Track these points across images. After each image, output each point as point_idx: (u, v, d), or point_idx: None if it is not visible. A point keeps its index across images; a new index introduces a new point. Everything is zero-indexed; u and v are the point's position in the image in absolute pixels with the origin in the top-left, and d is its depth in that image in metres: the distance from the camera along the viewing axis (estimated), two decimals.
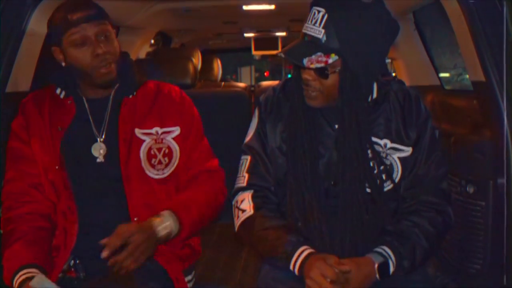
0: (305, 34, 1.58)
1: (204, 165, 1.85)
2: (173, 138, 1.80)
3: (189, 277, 1.90)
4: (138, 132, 1.77)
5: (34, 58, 2.10)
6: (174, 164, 1.80)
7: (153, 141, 1.77)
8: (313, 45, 1.54)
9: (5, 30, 1.92)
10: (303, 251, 1.56)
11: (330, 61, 1.53)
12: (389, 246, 1.58)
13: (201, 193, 1.78)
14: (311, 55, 1.53)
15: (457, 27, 2.00)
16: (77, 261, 1.67)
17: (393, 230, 1.62)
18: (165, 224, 1.64)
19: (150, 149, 1.76)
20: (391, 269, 1.57)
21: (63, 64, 1.76)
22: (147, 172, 1.75)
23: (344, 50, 1.53)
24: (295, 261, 1.55)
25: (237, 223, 1.72)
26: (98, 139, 1.76)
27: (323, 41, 1.53)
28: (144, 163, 1.75)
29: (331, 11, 1.53)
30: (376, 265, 1.54)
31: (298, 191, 1.64)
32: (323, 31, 1.53)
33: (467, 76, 2.14)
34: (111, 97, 1.79)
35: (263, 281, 1.70)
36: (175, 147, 1.80)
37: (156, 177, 1.77)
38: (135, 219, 1.70)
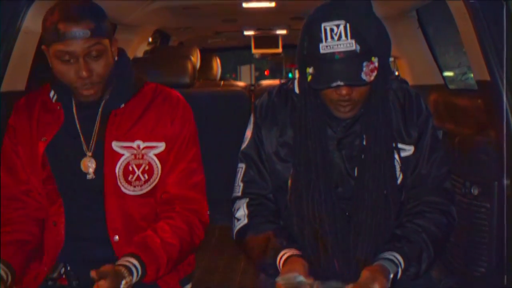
0: (334, 53, 1.50)
1: (182, 192, 1.69)
2: (156, 155, 1.66)
3: (188, 286, 1.85)
4: (116, 145, 1.64)
5: (29, 56, 2.07)
6: (154, 181, 1.67)
7: (133, 156, 1.65)
8: (353, 59, 1.49)
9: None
10: (283, 255, 1.54)
11: (376, 64, 1.51)
12: (400, 254, 1.56)
13: (177, 239, 1.63)
14: (362, 69, 1.49)
15: (461, 25, 1.99)
16: (68, 268, 1.63)
17: (402, 234, 1.60)
18: (128, 282, 1.48)
19: (128, 164, 1.64)
20: (399, 275, 1.55)
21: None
22: (122, 189, 1.64)
23: (377, 50, 1.51)
24: (279, 266, 1.54)
25: (234, 232, 1.70)
26: (87, 153, 1.66)
27: (358, 51, 1.49)
28: (120, 179, 1.64)
29: (350, 19, 1.48)
30: (392, 276, 1.52)
31: (307, 197, 1.61)
32: (353, 41, 1.48)
33: (471, 75, 2.12)
34: (101, 106, 1.66)
35: (262, 284, 1.68)
36: (157, 165, 1.67)
37: (132, 193, 1.65)
38: (115, 237, 1.64)
